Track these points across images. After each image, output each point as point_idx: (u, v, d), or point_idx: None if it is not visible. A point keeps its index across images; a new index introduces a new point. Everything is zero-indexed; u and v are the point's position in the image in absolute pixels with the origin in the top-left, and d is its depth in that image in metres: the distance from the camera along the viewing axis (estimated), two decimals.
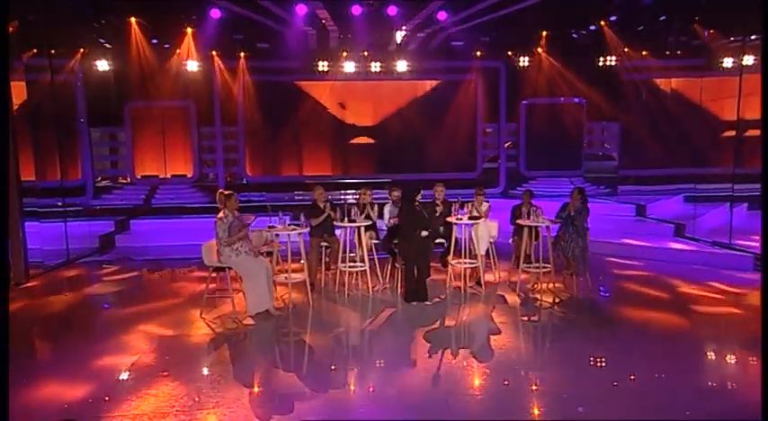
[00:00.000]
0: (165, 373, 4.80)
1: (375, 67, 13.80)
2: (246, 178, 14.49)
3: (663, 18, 11.01)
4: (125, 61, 12.64)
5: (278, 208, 6.83)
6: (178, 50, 12.74)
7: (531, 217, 7.01)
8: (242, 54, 13.36)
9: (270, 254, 7.04)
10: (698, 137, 13.93)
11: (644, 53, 13.57)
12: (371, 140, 14.92)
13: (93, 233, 10.79)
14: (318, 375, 4.86)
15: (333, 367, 5.01)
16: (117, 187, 14.12)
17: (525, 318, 6.43)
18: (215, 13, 10.03)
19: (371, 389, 4.53)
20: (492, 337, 5.68)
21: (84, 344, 5.53)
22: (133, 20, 10.58)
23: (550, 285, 7.29)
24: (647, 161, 14.71)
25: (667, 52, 13.58)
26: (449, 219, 7.35)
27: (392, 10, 9.90)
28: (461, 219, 7.08)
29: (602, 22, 11.24)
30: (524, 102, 14.80)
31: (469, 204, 7.42)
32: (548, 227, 7.09)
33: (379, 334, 5.96)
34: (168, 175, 14.53)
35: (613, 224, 10.62)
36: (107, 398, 4.30)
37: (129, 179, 14.24)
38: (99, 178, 14.27)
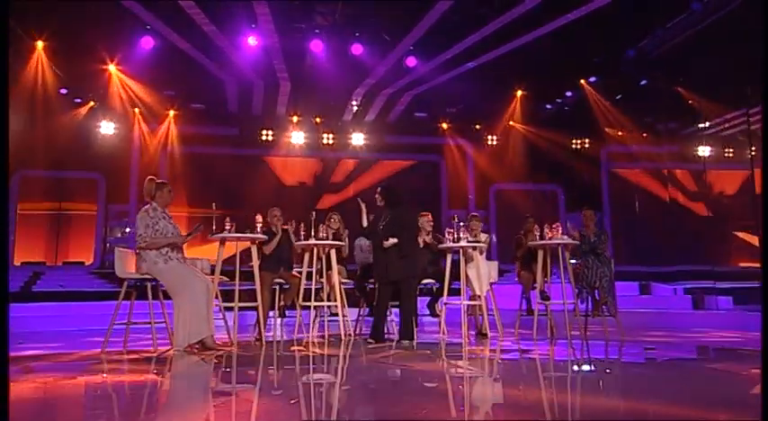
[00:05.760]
0: None
1: (327, 139, 13.63)
2: None
3: (644, 82, 11.59)
4: (22, 117, 11.74)
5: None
6: (92, 103, 12.12)
7: (548, 235, 6.32)
8: (171, 113, 12.84)
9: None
10: (693, 232, 14.12)
11: (619, 134, 14.22)
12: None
13: None
14: None
15: None
16: None
17: (553, 377, 4.53)
18: (146, 43, 9.64)
19: None
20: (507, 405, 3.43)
21: None
22: (40, 45, 9.82)
23: (574, 332, 6.40)
24: (638, 256, 14.70)
25: (644, 134, 14.31)
26: (442, 246, 6.53)
27: (357, 49, 9.90)
28: (459, 241, 6.27)
29: (582, 81, 11.72)
30: (494, 186, 14.86)
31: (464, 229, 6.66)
32: (567, 248, 6.39)
33: (352, 396, 3.60)
34: (59, 262, 13.01)
35: (620, 301, 10.06)
36: None
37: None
38: None
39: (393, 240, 5.72)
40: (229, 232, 5.62)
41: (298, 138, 13.47)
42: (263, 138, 13.33)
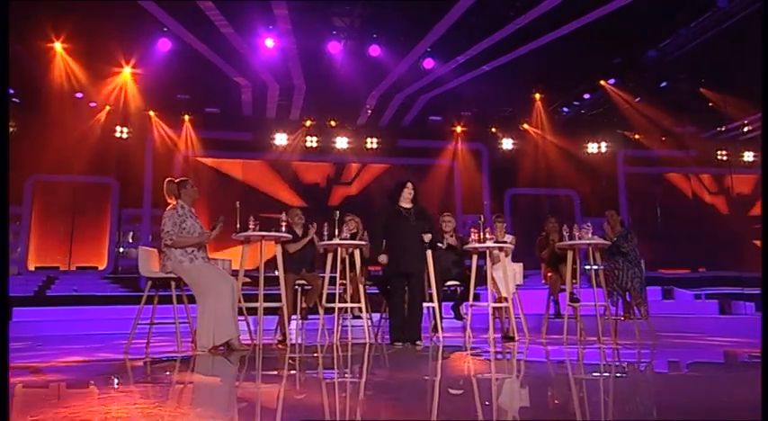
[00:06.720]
0: None
1: (341, 143, 13.57)
2: None
3: (664, 84, 11.45)
4: (36, 121, 11.74)
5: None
6: (107, 107, 12.11)
7: (577, 235, 6.20)
8: (186, 117, 12.82)
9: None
10: (715, 238, 13.79)
11: (636, 137, 14.06)
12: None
13: None
14: None
15: None
16: None
17: (586, 380, 4.38)
18: (164, 45, 9.62)
19: None
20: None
21: None
22: (58, 47, 9.82)
23: (604, 336, 6.26)
24: (659, 261, 14.44)
25: (663, 138, 14.11)
26: (467, 246, 6.44)
27: (374, 50, 9.84)
28: (485, 241, 6.18)
29: (602, 83, 11.59)
30: (509, 191, 14.72)
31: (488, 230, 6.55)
32: (598, 250, 6.27)
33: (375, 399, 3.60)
34: (72, 267, 12.97)
35: None
36: None
37: (17, 270, 12.57)
38: None
39: (429, 235, 5.76)
40: (254, 231, 5.54)
41: (311, 141, 13.43)
42: (277, 141, 13.27)
